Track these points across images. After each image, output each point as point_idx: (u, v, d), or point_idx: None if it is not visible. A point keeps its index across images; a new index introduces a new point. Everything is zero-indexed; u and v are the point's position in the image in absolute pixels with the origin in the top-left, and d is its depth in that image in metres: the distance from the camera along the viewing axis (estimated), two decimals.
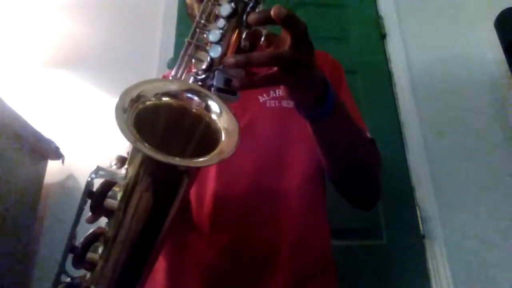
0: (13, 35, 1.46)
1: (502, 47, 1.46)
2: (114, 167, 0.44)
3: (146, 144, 0.35)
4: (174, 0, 1.66)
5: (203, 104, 0.41)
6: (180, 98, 0.42)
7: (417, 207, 1.37)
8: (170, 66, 1.50)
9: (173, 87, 0.42)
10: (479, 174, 1.43)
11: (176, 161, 0.35)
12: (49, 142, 1.22)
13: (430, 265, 1.29)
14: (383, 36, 1.67)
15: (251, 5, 0.45)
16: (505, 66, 1.47)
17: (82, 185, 1.44)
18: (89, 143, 1.38)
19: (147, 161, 0.37)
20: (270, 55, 0.41)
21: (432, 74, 1.61)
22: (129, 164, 0.39)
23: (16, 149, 1.10)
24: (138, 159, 0.38)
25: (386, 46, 1.65)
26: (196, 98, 0.42)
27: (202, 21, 0.45)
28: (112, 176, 0.39)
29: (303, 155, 0.65)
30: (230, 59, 0.40)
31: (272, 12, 0.40)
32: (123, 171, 0.39)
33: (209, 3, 0.46)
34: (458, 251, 1.30)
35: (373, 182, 0.65)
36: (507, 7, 1.46)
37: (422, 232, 1.33)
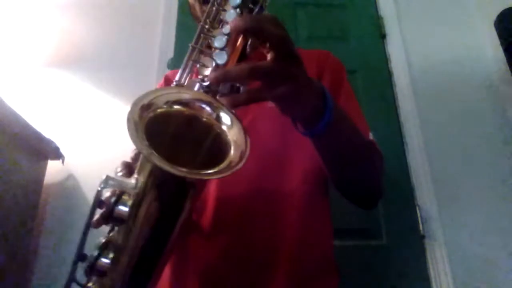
0: (13, 35, 1.46)
1: (502, 47, 1.46)
2: (120, 173, 0.44)
3: (156, 154, 0.35)
4: (174, 0, 1.66)
5: (214, 115, 0.41)
6: (191, 106, 0.41)
7: (417, 207, 1.36)
8: (170, 66, 1.50)
9: (185, 96, 0.42)
10: (479, 174, 1.43)
11: (187, 173, 0.35)
12: (49, 142, 1.22)
13: (430, 265, 1.29)
14: (383, 36, 1.67)
15: (256, 10, 0.45)
16: (505, 66, 1.47)
17: (82, 185, 1.43)
18: (89, 143, 1.38)
19: (157, 171, 0.37)
20: (248, 68, 0.38)
21: (432, 74, 1.61)
22: (138, 173, 0.39)
23: (16, 149, 1.10)
24: (148, 168, 0.38)
25: (386, 46, 1.65)
26: (207, 108, 0.41)
27: (207, 26, 0.45)
28: (121, 185, 0.39)
29: (304, 156, 0.65)
30: (211, 74, 0.39)
31: (231, 26, 0.38)
32: (132, 180, 0.39)
33: (214, 8, 0.45)
34: (458, 251, 1.30)
35: (374, 184, 0.65)
36: (507, 7, 1.45)
37: (422, 232, 1.33)
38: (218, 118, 0.41)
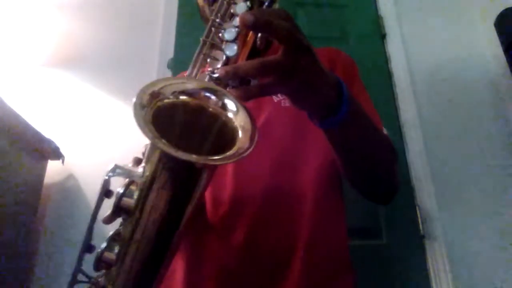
0: (13, 35, 1.46)
1: (502, 47, 1.46)
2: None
3: (163, 140, 0.34)
4: (174, 0, 1.66)
5: (220, 103, 0.41)
6: (197, 96, 0.41)
7: (417, 207, 1.36)
8: (170, 66, 1.50)
9: (190, 85, 0.42)
10: (479, 174, 1.43)
11: (194, 158, 0.35)
12: (49, 142, 1.22)
13: (430, 265, 1.29)
14: (383, 36, 1.67)
15: (267, 3, 0.45)
16: (505, 66, 1.47)
17: (82, 185, 1.43)
18: (89, 143, 1.38)
19: (164, 158, 0.37)
20: (258, 63, 0.37)
21: (432, 74, 1.61)
22: (146, 162, 0.39)
23: (16, 149, 1.10)
24: (155, 156, 0.38)
25: (386, 46, 1.65)
26: (213, 96, 0.41)
27: (218, 20, 0.44)
28: (129, 174, 0.38)
29: (318, 154, 0.65)
30: (221, 70, 0.38)
31: (238, 22, 0.37)
32: (140, 169, 0.38)
33: (225, 2, 0.45)
34: (458, 251, 1.30)
35: (391, 178, 0.64)
36: (507, 7, 1.46)
37: (422, 232, 1.33)
38: (224, 106, 0.41)
